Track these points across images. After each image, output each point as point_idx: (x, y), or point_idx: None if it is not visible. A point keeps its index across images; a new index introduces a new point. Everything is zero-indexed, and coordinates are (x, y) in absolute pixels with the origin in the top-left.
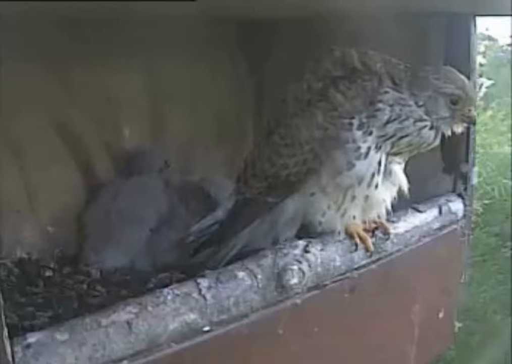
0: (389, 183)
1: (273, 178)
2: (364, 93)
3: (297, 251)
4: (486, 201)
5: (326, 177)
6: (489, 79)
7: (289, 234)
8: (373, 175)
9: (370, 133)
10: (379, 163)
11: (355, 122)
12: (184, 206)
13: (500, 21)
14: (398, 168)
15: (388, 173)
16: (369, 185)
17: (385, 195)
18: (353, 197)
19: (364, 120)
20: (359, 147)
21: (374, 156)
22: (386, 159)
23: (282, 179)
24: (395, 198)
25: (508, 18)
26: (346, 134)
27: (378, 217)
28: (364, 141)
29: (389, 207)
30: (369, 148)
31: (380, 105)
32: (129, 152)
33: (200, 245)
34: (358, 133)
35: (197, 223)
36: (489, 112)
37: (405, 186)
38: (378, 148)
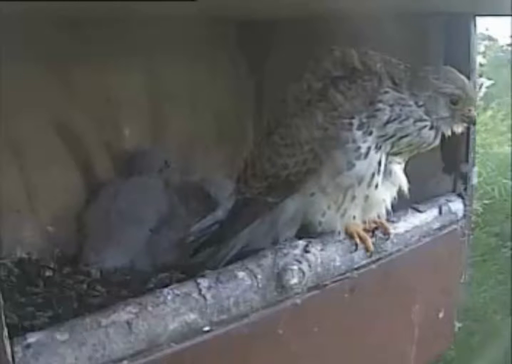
0: (389, 183)
1: (273, 178)
2: (364, 93)
3: (297, 251)
4: (486, 201)
5: (326, 177)
6: (489, 79)
7: (289, 234)
8: (373, 175)
9: (370, 133)
10: (379, 163)
11: (355, 122)
12: (184, 206)
13: (500, 21)
14: (398, 168)
15: (388, 173)
16: (369, 185)
17: (385, 195)
18: (353, 197)
19: (364, 120)
20: (359, 147)
21: (374, 156)
22: (386, 159)
23: (282, 179)
24: (395, 198)
25: (508, 18)
26: (346, 134)
27: (378, 217)
28: (364, 141)
29: (389, 207)
30: (369, 148)
31: (380, 105)
32: (129, 152)
33: (200, 245)
34: (358, 133)
35: (197, 223)
36: (489, 112)
37: (405, 186)
38: (378, 148)
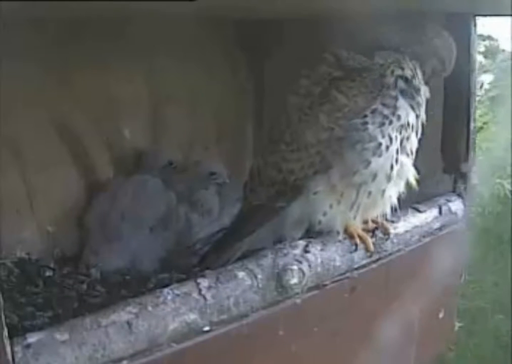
0: (396, 178)
1: (280, 185)
2: (366, 89)
3: (297, 251)
4: (485, 202)
5: (336, 177)
6: (490, 79)
7: (295, 237)
8: (391, 168)
9: (391, 122)
10: (394, 159)
11: (369, 120)
12: (184, 206)
13: (500, 21)
14: (407, 160)
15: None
16: (378, 183)
17: (392, 191)
18: (368, 194)
19: (378, 114)
20: (380, 144)
21: (391, 149)
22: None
23: (290, 184)
24: (403, 193)
25: (508, 18)
26: (360, 134)
27: (384, 214)
28: (383, 136)
29: (395, 202)
30: (390, 140)
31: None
32: (130, 152)
33: (206, 253)
34: (377, 130)
35: (203, 230)
36: (490, 114)
37: (412, 178)
38: (395, 139)
